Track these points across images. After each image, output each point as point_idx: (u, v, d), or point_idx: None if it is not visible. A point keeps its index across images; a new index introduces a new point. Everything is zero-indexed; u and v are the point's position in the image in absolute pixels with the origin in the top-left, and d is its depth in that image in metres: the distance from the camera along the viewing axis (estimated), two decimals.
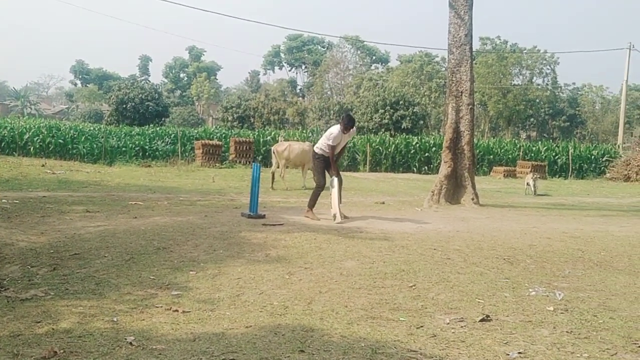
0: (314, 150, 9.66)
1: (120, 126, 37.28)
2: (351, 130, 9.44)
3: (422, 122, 43.63)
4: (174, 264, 5.83)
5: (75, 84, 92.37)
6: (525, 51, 61.64)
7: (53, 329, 3.95)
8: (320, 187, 9.47)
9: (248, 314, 4.39)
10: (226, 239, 7.17)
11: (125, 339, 3.74)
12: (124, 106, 48.44)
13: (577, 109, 66.74)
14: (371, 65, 78.87)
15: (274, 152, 16.33)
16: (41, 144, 25.46)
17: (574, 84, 70.50)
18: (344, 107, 47.31)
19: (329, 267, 5.89)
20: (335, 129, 9.31)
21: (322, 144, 9.42)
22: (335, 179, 9.35)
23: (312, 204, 9.44)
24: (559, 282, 5.61)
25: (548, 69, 63.34)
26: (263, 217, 9.06)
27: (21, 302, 4.58)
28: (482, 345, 3.82)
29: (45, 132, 26.23)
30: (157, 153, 26.63)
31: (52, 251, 6.21)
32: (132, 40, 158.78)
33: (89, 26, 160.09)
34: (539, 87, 63.71)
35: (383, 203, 12.56)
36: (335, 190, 9.28)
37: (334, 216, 9.13)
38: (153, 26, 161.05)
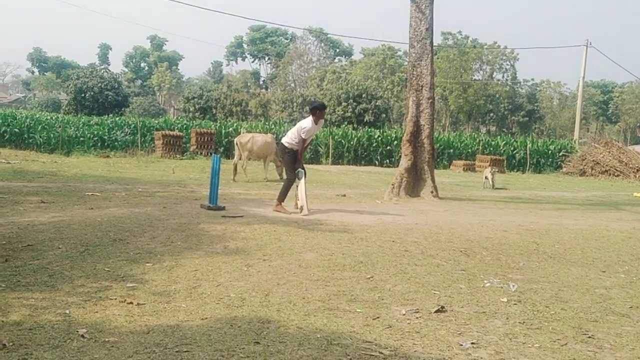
0: (283, 144, 9.53)
1: (79, 116, 36.54)
2: (320, 121, 9.44)
3: (384, 115, 43.92)
4: (130, 256, 5.74)
5: (33, 72, 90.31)
6: (485, 47, 62.51)
7: (2, 321, 3.84)
8: (292, 180, 9.40)
9: (204, 306, 4.35)
10: (184, 230, 7.10)
11: (77, 331, 3.67)
12: (83, 95, 47.55)
13: (536, 104, 68.07)
14: (335, 58, 79.02)
15: (236, 144, 16.22)
16: None
17: (532, 79, 71.94)
18: (307, 99, 47.29)
19: (287, 259, 5.89)
20: (308, 122, 9.26)
21: (291, 138, 9.34)
22: (302, 171, 9.33)
23: (282, 197, 9.32)
24: (513, 274, 5.72)
25: (508, 65, 64.45)
26: (223, 209, 9.00)
27: None
28: (436, 336, 3.87)
29: (0, 121, 25.55)
30: (116, 143, 26.18)
31: (4, 242, 6.05)
32: (91, 28, 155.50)
33: (47, 13, 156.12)
34: (499, 82, 64.78)
35: (344, 196, 12.61)
36: (302, 182, 9.26)
37: (301, 208, 9.12)
38: (113, 14, 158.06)
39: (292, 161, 9.40)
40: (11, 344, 3.42)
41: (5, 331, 3.65)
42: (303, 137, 9.20)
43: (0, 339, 3.46)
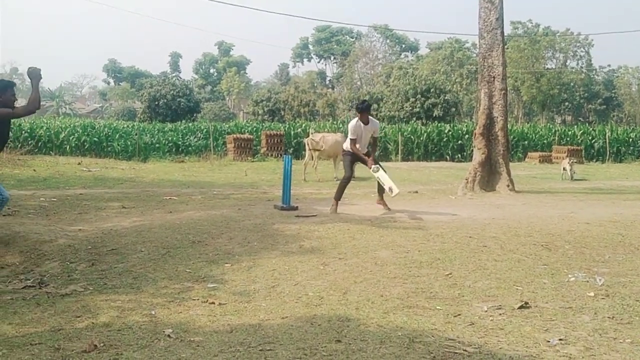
0: (343, 147, 9.52)
1: (153, 123, 37.67)
2: (372, 122, 9.09)
3: (454, 109, 43.07)
4: (209, 257, 5.87)
5: (108, 83, 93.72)
6: (558, 34, 60.46)
7: (93, 323, 4.01)
8: (347, 179, 9.26)
9: (284, 304, 4.40)
10: (260, 231, 7.19)
11: (164, 331, 3.78)
12: (156, 103, 48.92)
13: (613, 91, 65.25)
14: (401, 54, 78.30)
15: (307, 144, 16.34)
16: (77, 142, 25.97)
17: (609, 66, 68.95)
18: (374, 97, 46.93)
19: (363, 257, 5.87)
20: (352, 122, 9.11)
21: (347, 141, 9.25)
22: (377, 166, 9.06)
23: (337, 196, 9.15)
24: (599, 267, 5.49)
25: (582, 52, 62.01)
26: (296, 208, 9.06)
27: (61, 297, 4.66)
28: (521, 332, 3.76)
29: (81, 131, 26.72)
30: (190, 148, 26.91)
31: (90, 247, 6.30)
32: (162, 38, 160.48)
33: (121, 25, 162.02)
34: (573, 70, 62.41)
35: (416, 192, 12.47)
36: (380, 173, 9.00)
37: (390, 189, 8.84)
38: (182, 22, 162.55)
39: (350, 161, 9.28)
40: (102, 344, 3.55)
41: (96, 332, 3.80)
42: (350, 137, 9.01)
43: (91, 340, 3.60)
